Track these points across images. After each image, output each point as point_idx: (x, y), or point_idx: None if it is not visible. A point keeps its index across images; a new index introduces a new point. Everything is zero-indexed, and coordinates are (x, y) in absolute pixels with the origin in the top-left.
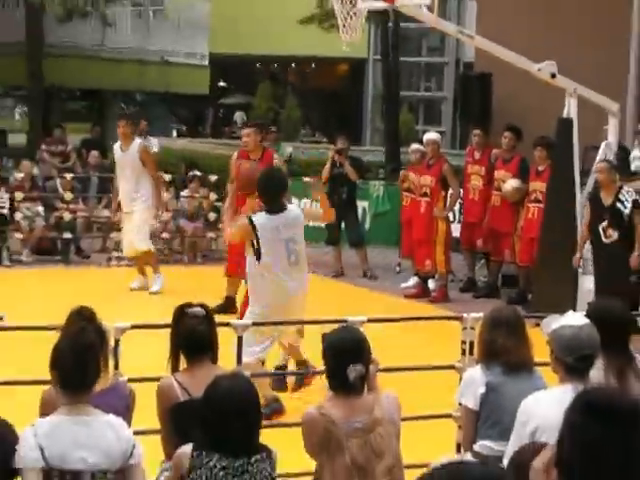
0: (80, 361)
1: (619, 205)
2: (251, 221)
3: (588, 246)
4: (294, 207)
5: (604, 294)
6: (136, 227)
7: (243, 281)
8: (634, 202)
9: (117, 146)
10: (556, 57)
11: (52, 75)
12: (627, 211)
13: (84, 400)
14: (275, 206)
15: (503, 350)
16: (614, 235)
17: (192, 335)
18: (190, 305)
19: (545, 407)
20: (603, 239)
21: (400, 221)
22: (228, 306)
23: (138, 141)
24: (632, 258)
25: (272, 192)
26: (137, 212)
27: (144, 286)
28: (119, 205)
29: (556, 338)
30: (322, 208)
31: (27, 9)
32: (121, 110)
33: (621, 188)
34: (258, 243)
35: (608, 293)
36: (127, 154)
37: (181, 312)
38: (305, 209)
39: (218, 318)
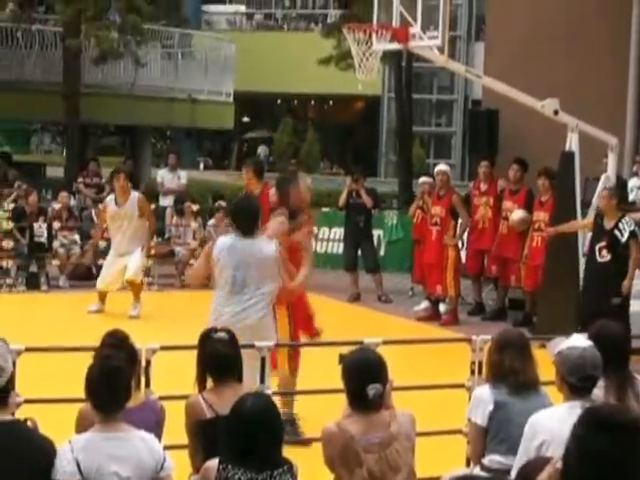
0: (109, 386)
1: (617, 232)
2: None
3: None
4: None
5: (588, 311)
6: (135, 262)
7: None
8: (631, 232)
9: (110, 200)
10: (559, 93)
11: (88, 112)
12: (623, 239)
13: (117, 418)
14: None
15: (510, 371)
16: (607, 257)
17: (218, 357)
18: (215, 330)
19: (551, 423)
20: (597, 258)
21: (413, 246)
22: None
23: (136, 194)
24: (624, 283)
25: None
26: (135, 254)
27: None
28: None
29: (561, 359)
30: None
31: (65, 51)
32: (153, 145)
33: (623, 217)
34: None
35: (592, 310)
36: (124, 208)
37: (207, 336)
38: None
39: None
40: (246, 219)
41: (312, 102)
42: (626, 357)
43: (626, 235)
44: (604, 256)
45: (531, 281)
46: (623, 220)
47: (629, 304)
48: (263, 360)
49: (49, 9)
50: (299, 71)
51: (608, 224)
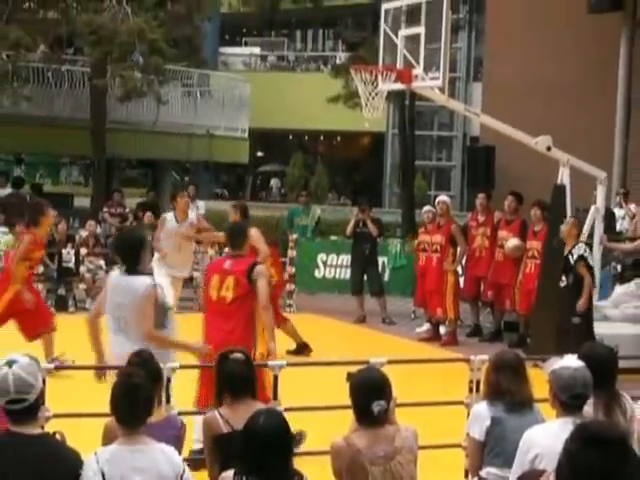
0: (131, 401)
1: (570, 257)
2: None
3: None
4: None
5: (558, 330)
6: (174, 294)
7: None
8: (579, 256)
9: (171, 216)
10: (552, 130)
11: (113, 147)
12: (572, 262)
13: (139, 431)
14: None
15: (507, 391)
16: (565, 281)
17: (234, 376)
18: (232, 351)
19: (545, 437)
20: (560, 283)
21: (415, 274)
22: (302, 349)
23: (193, 215)
24: (579, 303)
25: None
26: (179, 280)
27: None
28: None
29: (554, 378)
30: None
31: (92, 90)
32: (173, 177)
33: (577, 243)
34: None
35: (559, 331)
36: (183, 226)
37: (224, 357)
38: None
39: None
40: (125, 254)
41: (321, 138)
42: (613, 376)
43: (575, 258)
44: (562, 281)
45: (525, 305)
46: (577, 246)
47: (592, 324)
48: (275, 378)
49: (78, 51)
50: (310, 109)
51: (566, 250)
